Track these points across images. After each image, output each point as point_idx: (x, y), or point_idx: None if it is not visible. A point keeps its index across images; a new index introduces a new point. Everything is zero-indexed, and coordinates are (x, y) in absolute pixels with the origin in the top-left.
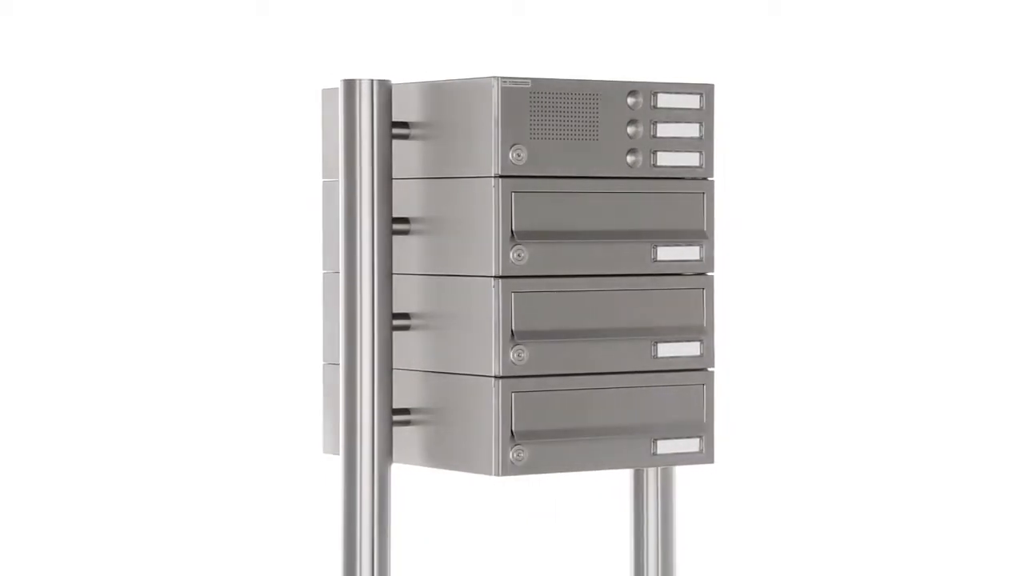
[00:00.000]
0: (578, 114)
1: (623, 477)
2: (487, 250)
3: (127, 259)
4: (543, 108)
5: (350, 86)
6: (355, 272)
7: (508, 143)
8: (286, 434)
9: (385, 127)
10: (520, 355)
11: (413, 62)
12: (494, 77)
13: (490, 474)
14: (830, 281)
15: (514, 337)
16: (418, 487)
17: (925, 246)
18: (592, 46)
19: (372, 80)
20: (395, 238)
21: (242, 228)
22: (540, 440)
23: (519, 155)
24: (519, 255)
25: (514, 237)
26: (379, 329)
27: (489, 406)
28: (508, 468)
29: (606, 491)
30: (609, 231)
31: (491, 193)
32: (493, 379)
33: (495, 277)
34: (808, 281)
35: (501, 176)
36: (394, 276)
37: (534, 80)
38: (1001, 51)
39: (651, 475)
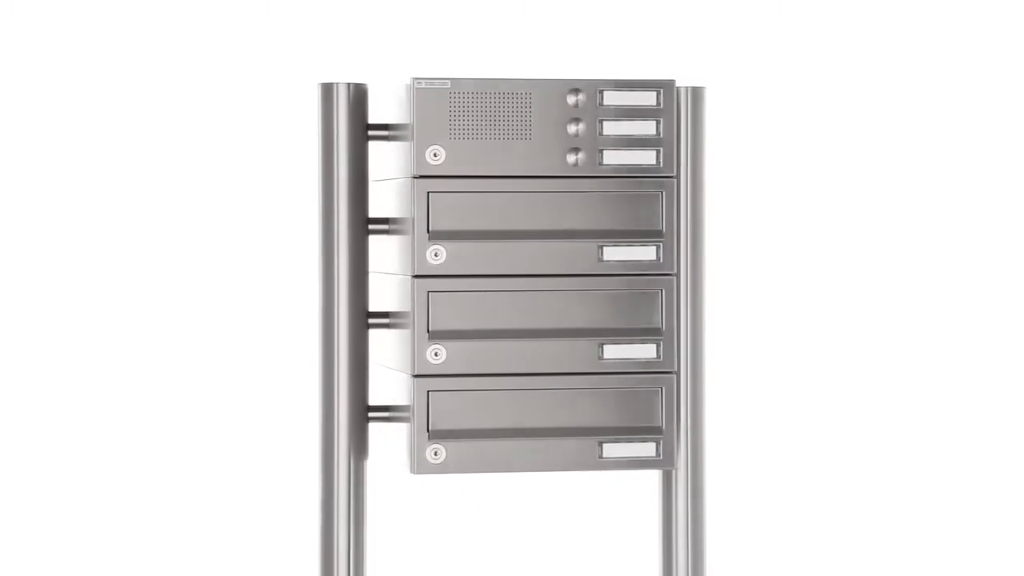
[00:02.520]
0: (508, 114)
1: (652, 478)
2: (407, 249)
3: (124, 257)
4: (466, 108)
5: (327, 90)
6: (332, 272)
7: (424, 143)
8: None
9: (358, 129)
10: (437, 354)
11: (432, 61)
12: (412, 78)
13: (410, 472)
14: (832, 283)
15: (431, 336)
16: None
17: (927, 249)
18: (590, 46)
19: (349, 84)
20: (380, 238)
21: (240, 227)
22: (461, 439)
23: (436, 155)
24: (435, 254)
25: (431, 237)
26: (352, 327)
27: (410, 404)
28: (425, 467)
29: (628, 493)
30: (547, 231)
31: (409, 193)
32: (411, 377)
33: (413, 276)
34: (809, 283)
35: (418, 176)
36: (378, 276)
37: (454, 80)
38: (1003, 51)
39: (680, 476)
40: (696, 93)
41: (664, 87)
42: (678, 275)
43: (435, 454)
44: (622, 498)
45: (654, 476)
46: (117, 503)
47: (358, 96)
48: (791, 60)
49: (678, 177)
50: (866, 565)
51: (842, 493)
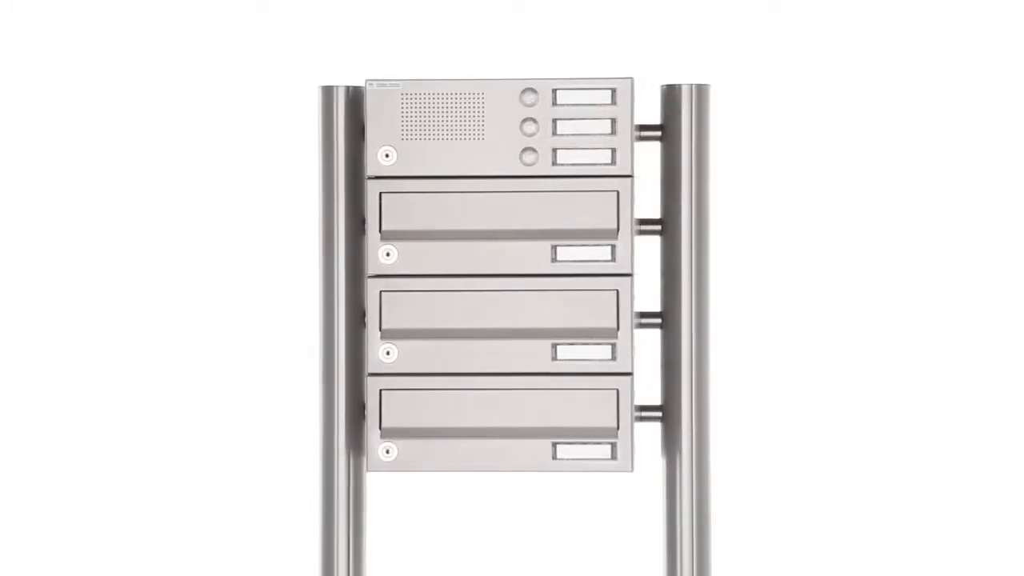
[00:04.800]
0: (461, 114)
1: (655, 474)
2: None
3: (123, 260)
4: (418, 109)
5: (327, 92)
6: (332, 272)
7: (377, 145)
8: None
9: (357, 131)
10: (389, 353)
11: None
12: (366, 79)
13: (366, 469)
14: (831, 284)
15: (383, 335)
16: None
17: (929, 250)
18: (589, 45)
19: (348, 87)
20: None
21: (239, 228)
22: (413, 438)
23: (387, 156)
24: (387, 254)
25: (383, 237)
26: (350, 327)
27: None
28: (377, 464)
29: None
30: (502, 231)
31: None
32: (368, 376)
33: (367, 277)
34: (808, 284)
35: (371, 177)
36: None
37: (405, 82)
38: (1005, 50)
39: (685, 471)
40: (701, 91)
41: (618, 85)
42: (680, 273)
43: (387, 452)
44: (627, 495)
45: (656, 473)
46: (119, 503)
47: (356, 98)
48: (786, 56)
49: (680, 175)
50: (869, 560)
51: (845, 491)
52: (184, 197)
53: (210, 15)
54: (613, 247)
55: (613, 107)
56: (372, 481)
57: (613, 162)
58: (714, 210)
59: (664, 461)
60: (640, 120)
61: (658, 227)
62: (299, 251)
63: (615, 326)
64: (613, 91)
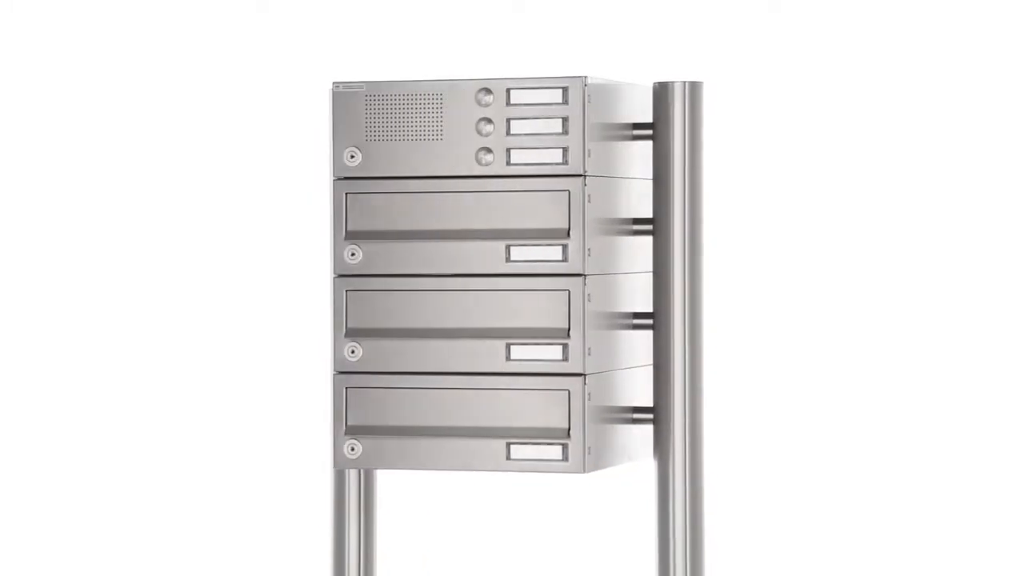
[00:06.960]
0: (421, 115)
1: (647, 472)
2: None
3: (130, 263)
4: (381, 111)
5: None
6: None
7: (342, 146)
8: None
9: None
10: (354, 351)
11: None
12: (332, 82)
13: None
14: (826, 283)
15: (347, 333)
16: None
17: (925, 249)
18: (591, 43)
19: None
20: None
21: (246, 230)
22: (376, 436)
23: (352, 157)
24: (352, 254)
25: (348, 236)
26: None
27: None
28: (343, 461)
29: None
30: (458, 231)
31: (329, 195)
32: (333, 374)
33: (335, 276)
34: (803, 283)
35: (338, 179)
36: None
37: (369, 83)
38: (1006, 49)
39: (679, 469)
40: (694, 88)
41: (570, 84)
42: (672, 274)
43: (352, 449)
44: (627, 496)
45: (650, 469)
46: (127, 503)
47: None
48: (784, 55)
49: (672, 174)
50: (865, 562)
51: (839, 492)
52: (180, 197)
53: (209, 15)
54: (565, 247)
55: (564, 106)
56: (382, 479)
57: (565, 161)
58: (707, 209)
59: (656, 463)
60: (636, 119)
61: (650, 227)
62: (296, 250)
63: (567, 326)
64: (564, 90)
